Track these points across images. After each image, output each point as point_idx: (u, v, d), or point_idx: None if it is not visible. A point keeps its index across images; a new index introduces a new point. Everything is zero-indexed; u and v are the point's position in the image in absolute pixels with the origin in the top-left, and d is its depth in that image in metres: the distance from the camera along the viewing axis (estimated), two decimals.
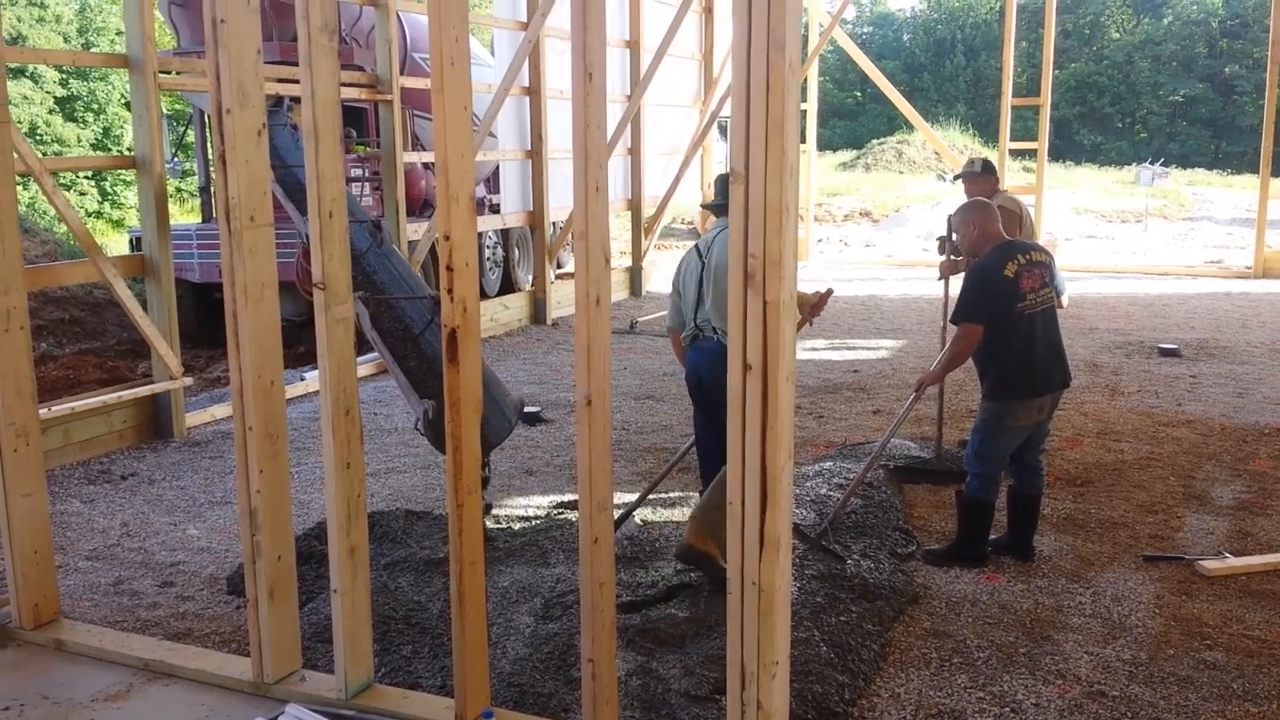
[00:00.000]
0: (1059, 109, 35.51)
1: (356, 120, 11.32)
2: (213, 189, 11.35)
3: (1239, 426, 7.67)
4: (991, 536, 5.36)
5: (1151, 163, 28.63)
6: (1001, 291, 5.04)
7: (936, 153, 25.78)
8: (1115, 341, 10.80)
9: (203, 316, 11.22)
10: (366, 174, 11.40)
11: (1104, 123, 40.41)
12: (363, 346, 7.43)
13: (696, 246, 5.09)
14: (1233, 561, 5.20)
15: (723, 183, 5.13)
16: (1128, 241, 20.45)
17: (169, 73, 8.32)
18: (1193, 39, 40.20)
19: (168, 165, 8.38)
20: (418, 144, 11.87)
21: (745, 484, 2.85)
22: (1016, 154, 17.63)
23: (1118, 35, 41.82)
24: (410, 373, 5.33)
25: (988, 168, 7.06)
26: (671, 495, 6.18)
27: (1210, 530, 5.70)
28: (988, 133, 30.94)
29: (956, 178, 7.24)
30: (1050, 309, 5.21)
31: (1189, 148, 37.92)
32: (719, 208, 4.98)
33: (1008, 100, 15.79)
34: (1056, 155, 28.98)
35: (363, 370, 9.00)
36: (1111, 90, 40.09)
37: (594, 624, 3.31)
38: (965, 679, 4.16)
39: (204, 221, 11.97)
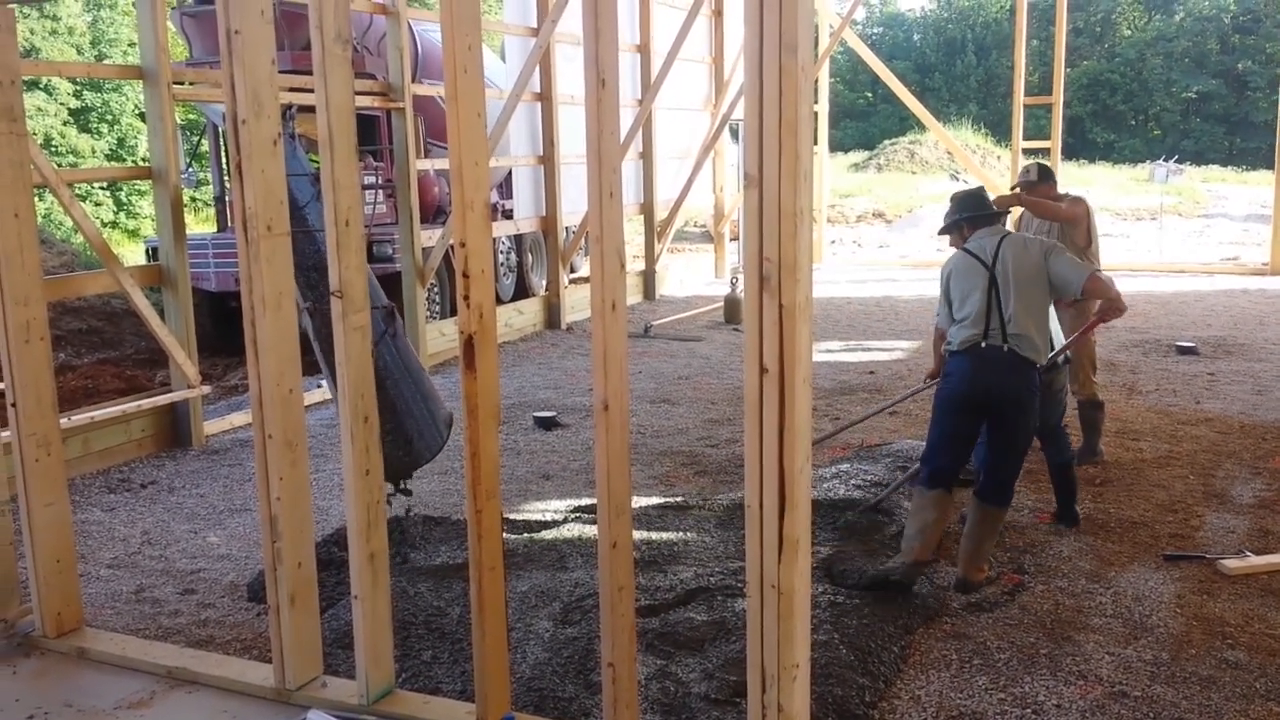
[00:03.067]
0: (1071, 107, 35.41)
1: (369, 128, 11.37)
2: (227, 198, 11.41)
3: (1258, 424, 7.63)
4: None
5: (1165, 160, 28.45)
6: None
7: (949, 152, 25.70)
8: (1132, 340, 10.76)
9: (219, 325, 11.27)
10: (380, 181, 11.44)
11: (1117, 120, 40.24)
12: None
13: (968, 250, 5.03)
14: (1254, 560, 5.17)
15: (972, 199, 5.23)
16: (1143, 239, 20.36)
17: (183, 83, 8.36)
18: (1205, 35, 40.00)
19: (182, 175, 8.42)
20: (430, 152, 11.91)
21: (763, 487, 2.85)
22: (1030, 153, 17.50)
23: (1129, 32, 41.64)
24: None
25: (1044, 174, 6.77)
26: (690, 501, 6.18)
27: (1231, 529, 5.67)
28: (1000, 132, 30.81)
29: (1014, 188, 6.92)
30: None
31: (1203, 144, 37.72)
32: (978, 219, 5.11)
33: (1020, 99, 15.74)
34: (1070, 154, 28.86)
35: None
36: (1124, 88, 39.92)
37: (614, 628, 3.32)
38: (986, 680, 4.16)
39: (219, 231, 12.02)
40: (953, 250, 5.23)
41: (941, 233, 5.34)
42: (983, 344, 4.85)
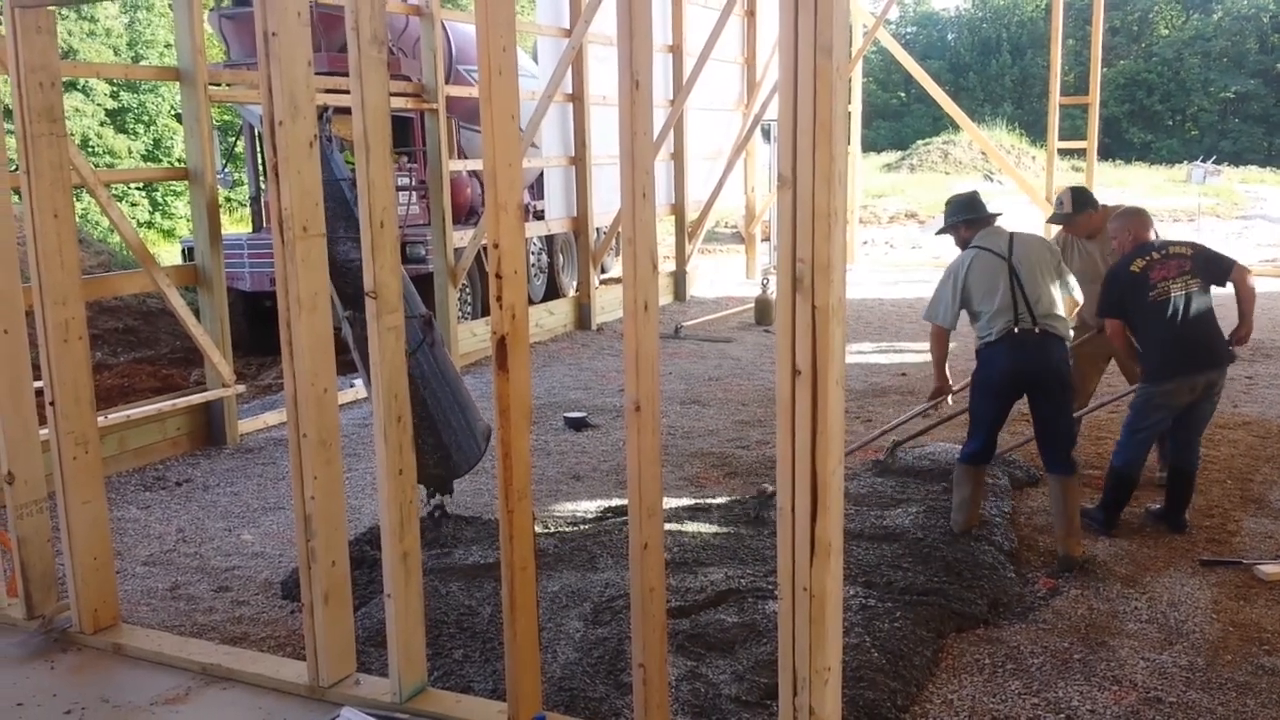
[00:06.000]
0: (1108, 107, 35.07)
1: (403, 129, 11.43)
2: (263, 199, 11.50)
3: None
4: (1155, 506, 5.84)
5: (1203, 160, 28.15)
6: (1129, 284, 5.51)
7: (983, 153, 25.53)
8: None
9: (253, 325, 11.35)
10: (414, 182, 11.50)
11: (1154, 120, 39.86)
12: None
13: (982, 246, 5.38)
14: None
15: (970, 202, 5.64)
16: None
17: (219, 85, 8.43)
18: (1243, 34, 39.56)
19: (218, 176, 8.49)
20: (463, 153, 11.95)
21: (795, 490, 2.84)
22: (1065, 153, 17.38)
23: (1167, 32, 41.26)
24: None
25: (1080, 202, 6.12)
26: (718, 501, 6.18)
27: (1268, 534, 5.60)
28: (1035, 132, 30.61)
29: (1049, 221, 6.55)
30: (1193, 294, 5.47)
31: (1241, 145, 37.30)
32: (976, 222, 5.52)
33: (1055, 99, 15.60)
34: (1106, 154, 28.62)
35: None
36: (1161, 87, 39.56)
37: (644, 629, 3.32)
38: (1019, 685, 4.13)
39: (254, 231, 12.11)
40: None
41: (941, 233, 5.76)
42: (1015, 330, 5.20)
